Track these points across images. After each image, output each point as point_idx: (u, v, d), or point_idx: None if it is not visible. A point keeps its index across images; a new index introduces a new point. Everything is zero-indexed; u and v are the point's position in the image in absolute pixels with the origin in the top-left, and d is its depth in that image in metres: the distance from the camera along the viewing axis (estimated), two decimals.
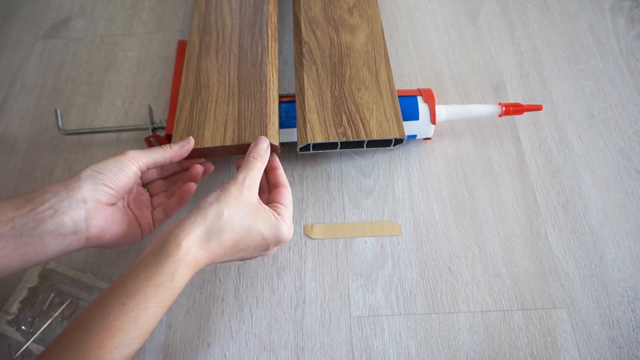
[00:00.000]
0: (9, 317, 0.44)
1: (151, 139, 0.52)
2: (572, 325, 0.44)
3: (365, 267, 0.48)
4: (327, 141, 0.47)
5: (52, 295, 0.45)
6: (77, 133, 0.54)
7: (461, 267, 0.47)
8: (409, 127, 0.51)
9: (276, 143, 0.47)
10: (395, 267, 0.48)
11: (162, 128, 0.53)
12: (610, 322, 0.44)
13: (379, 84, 0.51)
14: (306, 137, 0.47)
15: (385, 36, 0.55)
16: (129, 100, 0.60)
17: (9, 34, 0.68)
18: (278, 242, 0.40)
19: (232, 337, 0.45)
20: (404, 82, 0.60)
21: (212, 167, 0.49)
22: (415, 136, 0.53)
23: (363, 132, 0.48)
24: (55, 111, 0.53)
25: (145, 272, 0.34)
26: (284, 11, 0.66)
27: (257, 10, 0.57)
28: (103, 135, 0.58)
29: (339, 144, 0.49)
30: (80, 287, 0.46)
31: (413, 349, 0.43)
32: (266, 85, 0.50)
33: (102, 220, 0.39)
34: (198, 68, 0.53)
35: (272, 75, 0.52)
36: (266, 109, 0.49)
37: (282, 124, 0.51)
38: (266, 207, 0.40)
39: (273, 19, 0.57)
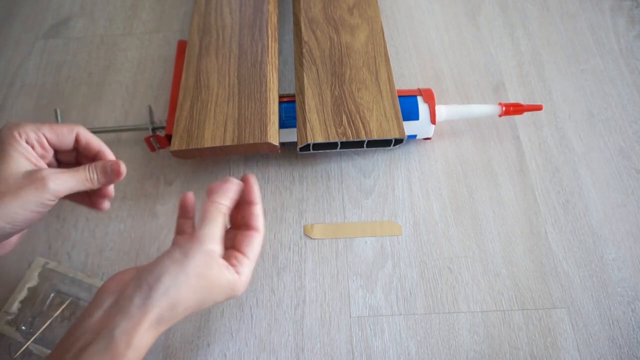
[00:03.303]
0: (9, 317, 0.44)
1: (151, 139, 0.52)
2: (572, 325, 0.44)
3: (365, 267, 0.48)
4: (327, 141, 0.47)
5: (52, 295, 0.45)
6: None
7: (461, 267, 0.47)
8: (409, 127, 0.51)
9: (276, 143, 0.47)
10: (395, 267, 0.48)
11: (162, 128, 0.53)
12: (610, 322, 0.44)
13: (379, 84, 0.51)
14: (306, 137, 0.47)
15: (385, 36, 0.55)
16: (129, 101, 0.60)
17: (9, 34, 0.68)
18: (234, 296, 0.36)
19: (232, 337, 0.45)
20: (404, 82, 0.60)
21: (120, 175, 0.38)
22: (415, 136, 0.53)
23: (363, 132, 0.48)
24: (55, 111, 0.53)
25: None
26: (284, 11, 0.66)
27: (257, 10, 0.57)
28: (103, 136, 0.57)
29: (339, 144, 0.49)
30: (81, 287, 0.46)
31: (413, 349, 0.43)
32: (266, 85, 0.50)
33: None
34: (198, 68, 0.53)
35: (272, 75, 0.52)
36: (266, 108, 0.49)
37: (282, 124, 0.51)
38: (223, 264, 0.34)
39: (273, 18, 0.57)
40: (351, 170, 0.54)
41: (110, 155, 0.40)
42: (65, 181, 0.35)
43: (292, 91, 0.59)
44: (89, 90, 0.62)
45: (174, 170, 0.54)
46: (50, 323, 0.44)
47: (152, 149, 0.53)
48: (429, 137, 0.53)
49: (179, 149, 0.47)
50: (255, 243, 0.37)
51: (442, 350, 0.43)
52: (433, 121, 0.51)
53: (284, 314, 0.46)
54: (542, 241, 0.49)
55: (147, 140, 0.52)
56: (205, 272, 0.33)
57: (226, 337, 0.45)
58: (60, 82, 0.63)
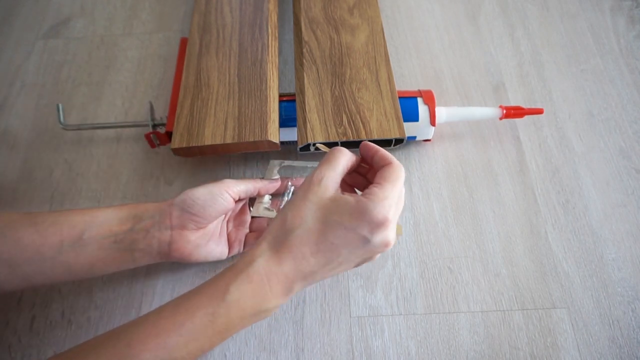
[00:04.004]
0: (265, 205, 0.47)
1: (151, 135, 0.52)
2: (572, 325, 0.44)
3: (365, 267, 0.48)
4: (328, 141, 0.47)
5: (292, 190, 0.50)
6: (79, 128, 0.54)
7: (461, 267, 0.47)
8: (409, 129, 0.51)
9: (276, 141, 0.47)
10: (395, 267, 0.48)
11: (163, 125, 0.53)
12: (610, 322, 0.44)
13: (379, 83, 0.51)
14: (306, 137, 0.47)
15: (385, 36, 0.55)
16: (129, 100, 0.60)
17: (9, 34, 0.68)
18: (373, 226, 0.32)
19: (232, 337, 0.45)
20: (404, 82, 0.60)
21: None
22: (414, 137, 0.53)
23: (363, 132, 0.47)
24: (57, 106, 0.54)
25: (207, 282, 0.34)
26: (284, 11, 0.66)
27: (257, 8, 0.57)
28: (103, 135, 0.58)
29: (339, 143, 0.49)
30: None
31: (413, 349, 0.43)
32: (266, 84, 0.50)
33: (184, 245, 0.41)
34: (198, 66, 0.53)
35: (272, 73, 0.52)
36: (266, 107, 0.49)
37: (282, 123, 0.51)
38: (346, 195, 0.34)
39: (273, 17, 0.57)
40: None
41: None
42: (238, 183, 0.43)
43: (292, 91, 0.59)
44: (89, 90, 0.62)
45: (174, 170, 0.54)
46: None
47: (152, 145, 0.53)
48: (429, 138, 0.53)
49: (180, 147, 0.47)
50: (388, 172, 0.35)
51: (442, 350, 0.43)
52: (433, 123, 0.51)
53: (284, 314, 0.46)
54: (542, 241, 0.49)
55: (148, 136, 0.52)
56: (314, 197, 0.34)
57: None
58: (60, 82, 0.63)
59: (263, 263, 0.33)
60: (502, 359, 0.43)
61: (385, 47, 0.54)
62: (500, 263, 0.47)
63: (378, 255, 0.37)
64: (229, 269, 0.34)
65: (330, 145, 0.49)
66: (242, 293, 0.32)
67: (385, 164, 0.36)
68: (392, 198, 0.33)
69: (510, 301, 0.45)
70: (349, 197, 0.33)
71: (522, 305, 0.45)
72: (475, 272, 0.47)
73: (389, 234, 0.34)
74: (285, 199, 0.49)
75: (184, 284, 0.47)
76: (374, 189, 0.34)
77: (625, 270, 0.47)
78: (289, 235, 0.33)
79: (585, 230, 0.49)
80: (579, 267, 0.47)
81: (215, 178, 0.53)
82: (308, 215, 0.33)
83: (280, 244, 0.33)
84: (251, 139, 0.47)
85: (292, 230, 0.33)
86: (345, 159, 0.36)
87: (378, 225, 0.33)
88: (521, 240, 0.49)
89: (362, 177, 0.41)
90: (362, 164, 0.40)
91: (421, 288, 0.46)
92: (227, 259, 0.46)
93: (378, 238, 0.33)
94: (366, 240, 0.33)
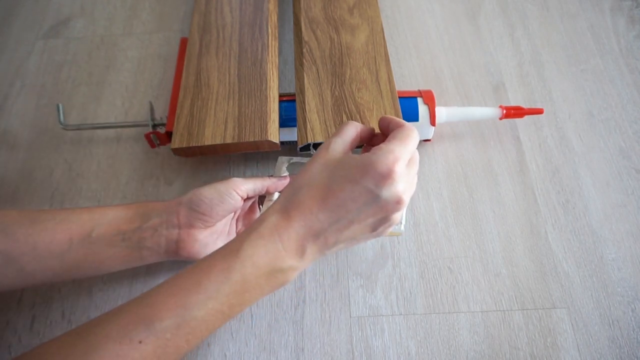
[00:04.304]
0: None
1: (151, 135, 0.52)
2: (572, 325, 0.44)
3: (365, 267, 0.48)
4: None
5: None
6: (79, 128, 0.54)
7: (461, 267, 0.47)
8: None
9: (276, 141, 0.47)
10: (395, 267, 0.48)
11: (163, 125, 0.53)
12: (610, 322, 0.44)
13: (379, 84, 0.51)
14: (306, 137, 0.47)
15: (385, 36, 0.55)
16: (129, 100, 0.60)
17: (9, 34, 0.68)
18: (378, 178, 0.32)
19: (232, 337, 0.45)
20: (404, 82, 0.60)
21: None
22: None
23: None
24: (57, 106, 0.54)
25: (221, 247, 0.35)
26: (284, 11, 0.66)
27: (257, 8, 0.58)
28: (103, 135, 0.58)
29: None
30: None
31: (413, 349, 0.43)
32: (266, 84, 0.50)
33: (192, 243, 0.41)
34: (198, 66, 0.53)
35: (272, 73, 0.52)
36: (266, 107, 0.49)
37: (282, 123, 0.51)
38: (352, 154, 0.35)
39: (273, 17, 0.57)
40: None
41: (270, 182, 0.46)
42: (246, 182, 0.43)
43: (292, 91, 0.59)
44: (89, 90, 0.62)
45: (174, 170, 0.54)
46: None
47: (152, 145, 0.53)
48: (429, 138, 0.53)
49: (180, 147, 0.47)
50: (395, 132, 0.35)
51: (442, 350, 0.43)
52: (433, 123, 0.51)
53: (284, 314, 0.46)
54: (542, 241, 0.49)
55: (148, 136, 0.52)
56: (322, 159, 0.35)
57: (226, 337, 0.45)
58: (60, 82, 0.63)
59: (274, 220, 0.34)
60: (502, 359, 0.43)
61: (385, 47, 0.54)
62: (500, 263, 0.47)
63: (397, 217, 0.35)
64: (242, 231, 0.35)
65: None
66: (255, 249, 0.33)
67: (393, 128, 0.36)
68: (398, 153, 0.33)
69: (510, 301, 0.45)
70: (355, 155, 0.34)
71: (522, 305, 0.45)
72: (475, 272, 0.47)
73: (398, 187, 0.33)
74: None
75: None
76: (380, 145, 0.34)
77: (625, 270, 0.47)
78: (297, 193, 0.34)
79: (585, 230, 0.49)
80: (579, 267, 0.47)
81: (216, 178, 0.53)
82: (315, 173, 0.34)
83: (290, 202, 0.34)
84: (251, 139, 0.47)
85: (300, 188, 0.34)
86: (352, 127, 0.37)
87: (383, 177, 0.32)
88: (521, 240, 0.49)
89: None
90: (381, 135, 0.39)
91: (421, 288, 0.46)
92: None
93: (386, 192, 0.32)
94: (374, 195, 0.32)
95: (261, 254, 0.33)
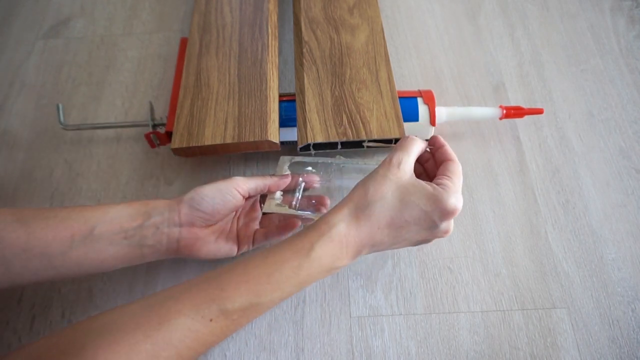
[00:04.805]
0: (277, 201, 0.48)
1: (151, 135, 0.52)
2: (572, 325, 0.44)
3: (365, 267, 0.48)
4: (328, 141, 0.47)
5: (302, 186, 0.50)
6: (79, 128, 0.54)
7: (461, 267, 0.47)
8: (409, 129, 0.51)
9: (276, 141, 0.47)
10: (395, 267, 0.48)
11: (163, 125, 0.53)
12: (610, 322, 0.44)
13: (379, 83, 0.51)
14: (306, 137, 0.47)
15: (385, 36, 0.55)
16: (129, 100, 0.60)
17: (9, 34, 0.68)
18: (444, 213, 0.37)
19: (232, 337, 0.45)
20: (404, 82, 0.60)
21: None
22: None
23: (363, 132, 0.48)
24: (57, 106, 0.54)
25: (290, 239, 0.37)
26: (284, 11, 0.66)
27: (257, 8, 0.58)
28: (103, 135, 0.58)
29: (339, 143, 0.49)
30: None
31: (413, 349, 0.43)
32: (266, 84, 0.50)
33: (193, 242, 0.42)
34: (198, 66, 0.53)
35: (272, 73, 0.52)
36: (266, 107, 0.49)
37: (282, 123, 0.51)
38: (423, 182, 0.38)
39: (273, 17, 0.57)
40: (351, 170, 0.53)
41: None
42: (248, 180, 0.44)
43: (292, 91, 0.59)
44: (89, 90, 0.62)
45: (174, 170, 0.54)
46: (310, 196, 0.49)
47: (152, 145, 0.53)
48: (429, 138, 0.53)
49: (180, 147, 0.47)
50: (454, 167, 0.40)
51: (442, 350, 0.43)
52: (433, 123, 0.51)
53: (284, 314, 0.46)
54: (542, 241, 0.49)
55: (148, 136, 0.52)
56: (394, 177, 0.38)
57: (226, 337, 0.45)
58: (60, 82, 0.63)
59: (344, 227, 0.37)
60: (502, 359, 0.43)
61: (385, 47, 0.54)
62: (500, 263, 0.47)
63: (435, 240, 0.41)
64: (310, 229, 0.37)
65: (331, 145, 0.49)
66: (324, 252, 0.36)
67: (447, 159, 0.41)
68: (460, 193, 0.38)
69: (510, 301, 0.45)
70: (426, 184, 0.38)
71: (522, 305, 0.45)
72: (475, 272, 0.47)
73: (452, 223, 0.39)
74: (297, 195, 0.48)
75: None
76: (446, 181, 0.38)
77: (625, 270, 0.47)
78: (370, 206, 0.37)
79: (585, 230, 0.49)
80: (579, 267, 0.47)
81: (216, 178, 0.53)
82: (388, 192, 0.37)
83: (361, 212, 0.37)
84: (251, 139, 0.47)
85: (374, 202, 0.37)
86: (417, 146, 0.41)
87: (448, 213, 0.37)
88: (521, 240, 0.49)
89: (420, 164, 0.45)
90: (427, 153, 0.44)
91: (421, 288, 0.46)
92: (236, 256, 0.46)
93: (444, 225, 0.38)
94: (434, 225, 0.38)
95: (328, 256, 0.36)
